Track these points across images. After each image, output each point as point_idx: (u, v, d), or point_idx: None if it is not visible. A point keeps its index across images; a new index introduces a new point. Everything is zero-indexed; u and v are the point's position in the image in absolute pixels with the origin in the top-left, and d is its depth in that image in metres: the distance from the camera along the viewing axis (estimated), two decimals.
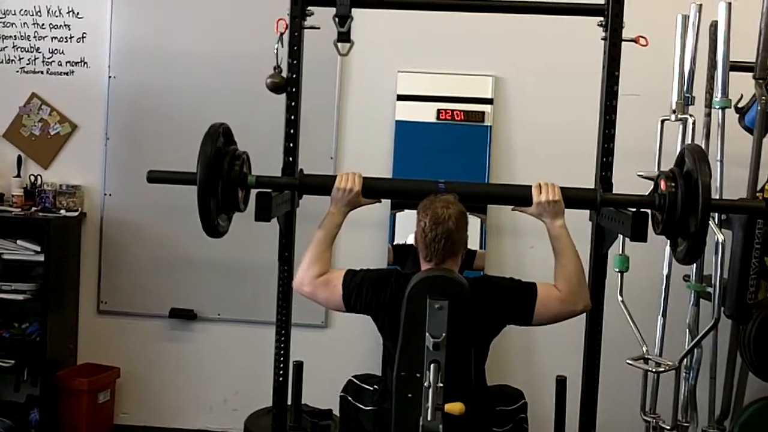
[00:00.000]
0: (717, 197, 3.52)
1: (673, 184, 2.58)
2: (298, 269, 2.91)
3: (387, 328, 2.82)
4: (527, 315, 2.80)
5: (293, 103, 3.01)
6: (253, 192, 2.79)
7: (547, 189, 2.79)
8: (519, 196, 2.86)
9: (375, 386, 3.02)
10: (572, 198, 2.82)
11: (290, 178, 2.96)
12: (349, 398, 3.07)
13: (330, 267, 2.93)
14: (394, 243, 4.34)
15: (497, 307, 2.79)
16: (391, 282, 2.81)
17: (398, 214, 4.35)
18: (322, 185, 2.91)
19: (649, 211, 2.68)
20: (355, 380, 3.11)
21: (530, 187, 2.82)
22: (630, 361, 3.63)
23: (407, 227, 4.23)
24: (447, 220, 2.73)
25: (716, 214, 3.53)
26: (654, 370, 3.64)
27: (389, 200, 4.20)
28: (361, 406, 3.01)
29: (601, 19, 2.92)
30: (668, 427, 3.70)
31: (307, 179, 2.96)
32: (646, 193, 2.83)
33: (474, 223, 4.11)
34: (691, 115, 3.65)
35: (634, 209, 2.68)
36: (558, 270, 2.85)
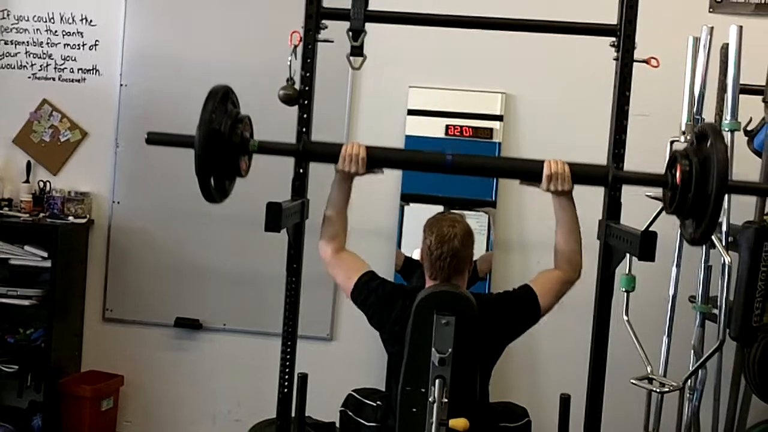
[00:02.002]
0: (724, 219, 3.53)
1: (687, 163, 2.50)
2: (320, 238, 2.94)
3: (393, 343, 2.83)
4: (535, 316, 2.85)
5: (305, 116, 3.02)
6: (263, 201, 2.77)
7: (558, 177, 2.74)
8: (529, 171, 2.83)
9: (378, 402, 3.02)
10: (584, 175, 2.80)
11: (294, 144, 2.92)
12: (350, 413, 3.06)
13: (346, 235, 2.96)
14: (407, 255, 4.32)
15: (507, 321, 2.81)
16: (399, 299, 2.83)
17: (407, 207, 4.35)
18: (327, 153, 2.86)
19: (656, 231, 2.67)
20: (355, 395, 3.10)
21: (541, 162, 2.77)
22: (634, 381, 3.62)
23: (416, 222, 4.19)
24: (453, 239, 2.74)
25: (723, 237, 3.53)
26: (658, 390, 3.63)
27: (398, 198, 4.30)
28: (362, 421, 3.01)
29: (614, 39, 2.93)
30: None
31: (312, 146, 2.93)
32: (654, 215, 2.81)
33: (481, 222, 4.13)
34: None
35: (644, 229, 2.68)
36: (559, 241, 2.87)
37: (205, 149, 2.52)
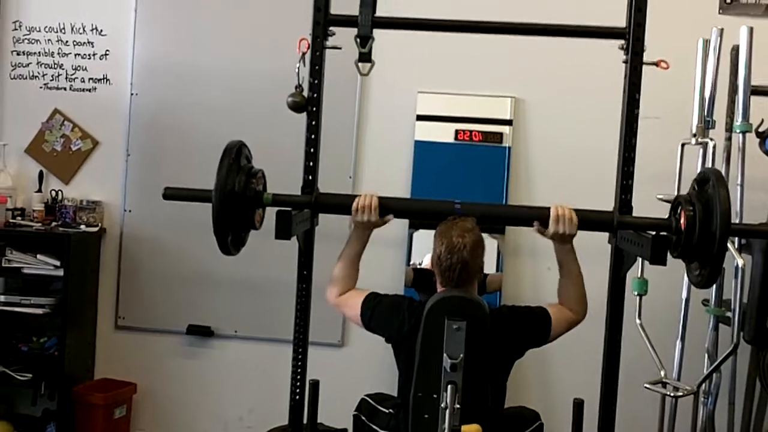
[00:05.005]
0: (737, 221, 3.51)
1: (690, 208, 2.56)
2: (330, 285, 3.09)
3: (402, 353, 2.84)
4: (544, 338, 2.94)
5: (314, 122, 3.03)
6: (272, 210, 2.80)
7: (564, 220, 2.80)
8: (536, 218, 2.88)
9: (390, 410, 3.02)
10: (589, 220, 2.84)
11: (306, 196, 2.97)
12: (363, 418, 3.08)
13: (355, 285, 3.06)
14: (416, 266, 4.31)
15: (517, 335, 2.85)
16: (403, 309, 2.85)
17: (415, 233, 4.34)
18: (338, 204, 2.94)
19: (668, 235, 2.67)
20: (368, 399, 3.13)
21: (547, 209, 2.83)
22: (648, 385, 3.60)
23: (425, 245, 4.21)
24: (462, 249, 2.77)
25: (735, 238, 3.51)
26: (672, 394, 3.61)
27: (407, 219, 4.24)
28: (375, 427, 3.02)
29: (623, 42, 2.92)
30: None
31: (324, 198, 2.97)
32: (665, 216, 2.81)
33: (491, 244, 4.11)
34: (711, 139, 3.63)
35: (654, 232, 2.67)
36: (566, 288, 2.98)
37: (222, 205, 2.61)
